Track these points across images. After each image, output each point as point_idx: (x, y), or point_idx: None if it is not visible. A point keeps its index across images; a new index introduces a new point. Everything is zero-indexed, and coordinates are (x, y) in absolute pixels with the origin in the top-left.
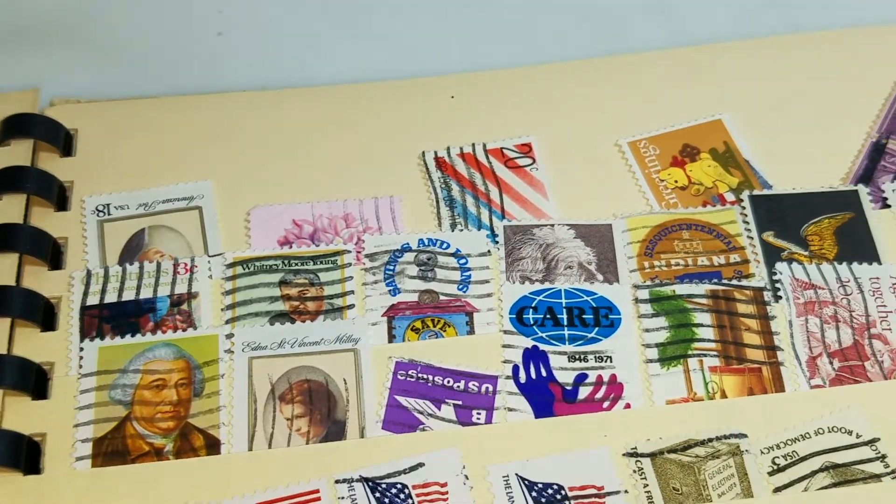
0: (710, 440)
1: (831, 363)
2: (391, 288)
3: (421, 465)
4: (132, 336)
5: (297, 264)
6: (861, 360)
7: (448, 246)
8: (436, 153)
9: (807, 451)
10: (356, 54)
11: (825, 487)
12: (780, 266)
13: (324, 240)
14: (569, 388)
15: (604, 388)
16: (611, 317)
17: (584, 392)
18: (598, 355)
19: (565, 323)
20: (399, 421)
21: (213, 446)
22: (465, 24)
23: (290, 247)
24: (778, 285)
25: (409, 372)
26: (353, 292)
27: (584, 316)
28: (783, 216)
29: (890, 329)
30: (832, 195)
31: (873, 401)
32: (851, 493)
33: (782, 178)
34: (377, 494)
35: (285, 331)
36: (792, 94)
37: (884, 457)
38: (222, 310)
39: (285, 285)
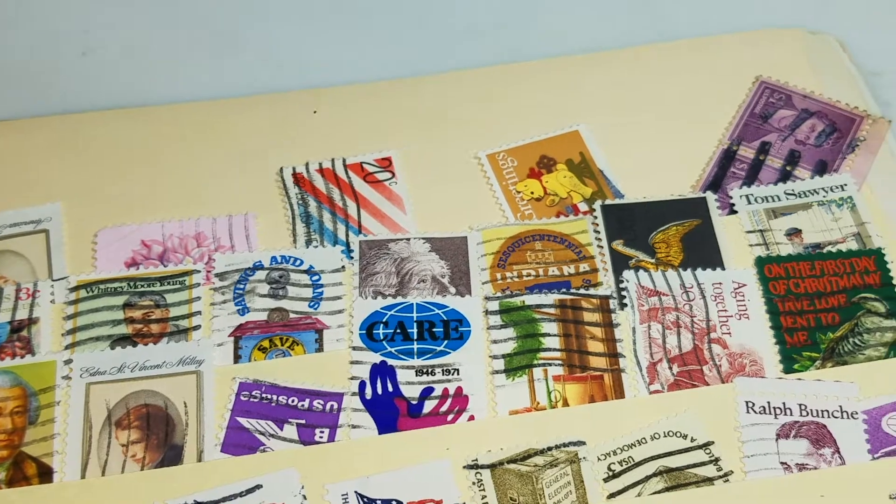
0: (550, 449)
1: (671, 368)
2: (240, 307)
3: (258, 486)
4: None
5: (142, 286)
6: (700, 365)
7: (301, 263)
8: (294, 169)
9: (642, 457)
10: (221, 71)
11: (658, 492)
12: (627, 274)
13: (173, 260)
14: (414, 402)
15: (449, 401)
16: (460, 329)
17: (429, 406)
18: (445, 368)
19: (415, 337)
20: (239, 443)
21: (45, 475)
22: (328, 38)
23: (138, 268)
24: (624, 293)
25: (253, 392)
26: (199, 313)
27: (434, 329)
28: (633, 225)
29: (729, 333)
30: (680, 203)
31: (709, 405)
32: (683, 496)
33: (635, 187)
34: None
35: (126, 354)
36: (648, 103)
37: (717, 460)
38: (63, 335)
39: (129, 308)
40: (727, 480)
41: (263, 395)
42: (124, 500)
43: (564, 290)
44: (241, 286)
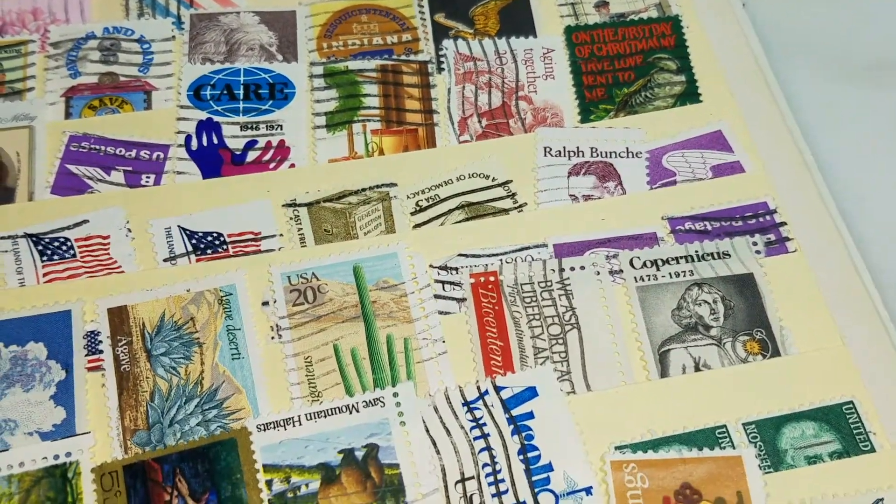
0: (364, 190)
1: (480, 122)
2: (72, 72)
3: (85, 221)
4: None
5: None
6: (507, 119)
7: (133, 33)
8: None
9: (447, 194)
10: None
11: (459, 221)
12: (447, 42)
13: (10, 32)
14: (238, 152)
15: (271, 152)
16: (286, 91)
17: (252, 156)
18: (269, 124)
19: (241, 97)
20: (68, 186)
21: None
22: None
23: None
24: (442, 59)
25: (82, 143)
26: (34, 77)
27: (259, 91)
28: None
29: (535, 91)
30: None
31: (511, 151)
32: (481, 224)
33: None
34: (40, 248)
35: None
36: None
37: (514, 195)
38: None
39: None
40: (521, 210)
41: (92, 146)
42: None
43: (387, 56)
44: (74, 54)
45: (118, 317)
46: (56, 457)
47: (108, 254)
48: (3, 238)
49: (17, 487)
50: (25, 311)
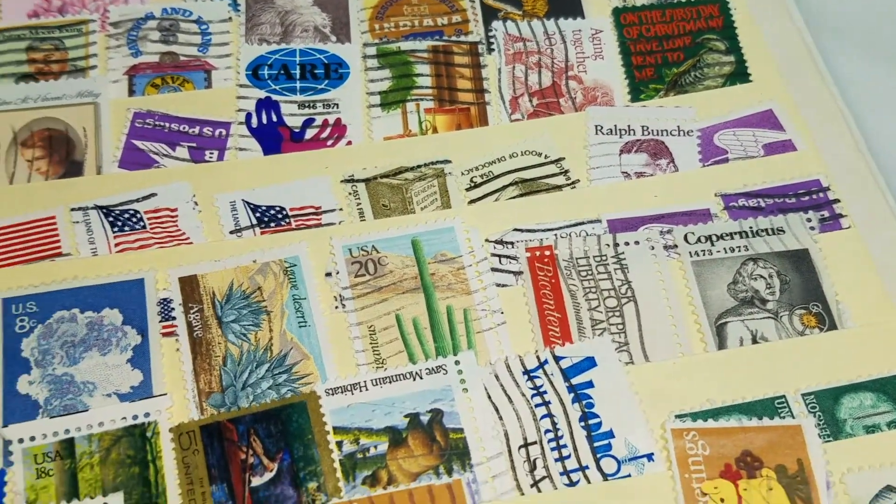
0: (419, 166)
1: (531, 101)
2: (133, 51)
3: (153, 195)
4: None
5: (43, 33)
6: (557, 98)
7: (191, 14)
8: None
9: (500, 171)
10: None
11: (513, 197)
12: (496, 24)
13: (71, 12)
14: (297, 130)
15: (329, 129)
16: (340, 71)
17: (310, 133)
18: (325, 103)
19: (298, 77)
20: (135, 161)
21: None
22: None
23: (39, 18)
24: (492, 40)
25: (147, 120)
26: (96, 55)
27: (315, 71)
28: None
29: (585, 71)
30: None
31: (563, 129)
32: (535, 199)
33: None
34: (110, 219)
35: (29, 89)
36: None
37: (566, 172)
38: None
39: (32, 51)
40: (574, 187)
41: (157, 123)
42: (32, 204)
43: (437, 37)
44: (134, 33)
45: (189, 285)
46: (135, 417)
47: (177, 226)
48: (74, 209)
49: (98, 446)
50: (100, 280)
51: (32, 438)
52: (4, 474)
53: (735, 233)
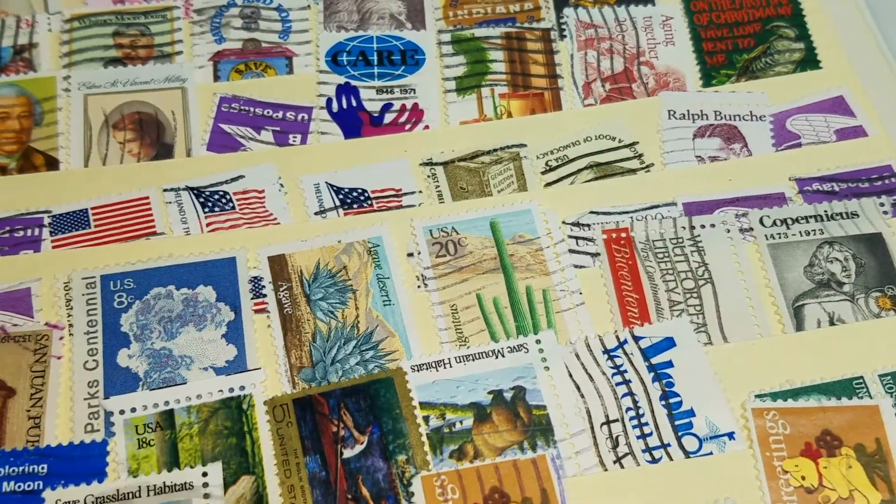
0: (495, 150)
1: (603, 86)
2: (217, 37)
3: (241, 176)
4: None
5: (128, 18)
6: (629, 83)
7: (271, 2)
8: None
9: (575, 155)
10: None
11: (588, 181)
12: (567, 11)
13: None
14: (376, 114)
15: (406, 114)
16: (416, 57)
17: (389, 118)
18: (403, 88)
19: (375, 63)
20: (222, 144)
21: (52, 165)
22: None
23: (124, 4)
24: (563, 27)
25: (233, 105)
26: (181, 41)
27: (392, 57)
28: None
29: (656, 57)
30: None
31: (636, 114)
32: (609, 183)
33: None
34: (201, 200)
35: (118, 73)
36: None
37: (641, 156)
38: (60, 57)
39: (118, 36)
40: (648, 171)
41: (242, 107)
42: (125, 185)
43: (510, 24)
44: (217, 20)
45: (278, 264)
46: (231, 390)
47: (265, 207)
48: (167, 190)
49: (197, 417)
50: (193, 258)
51: (133, 410)
52: (107, 444)
53: (810, 216)
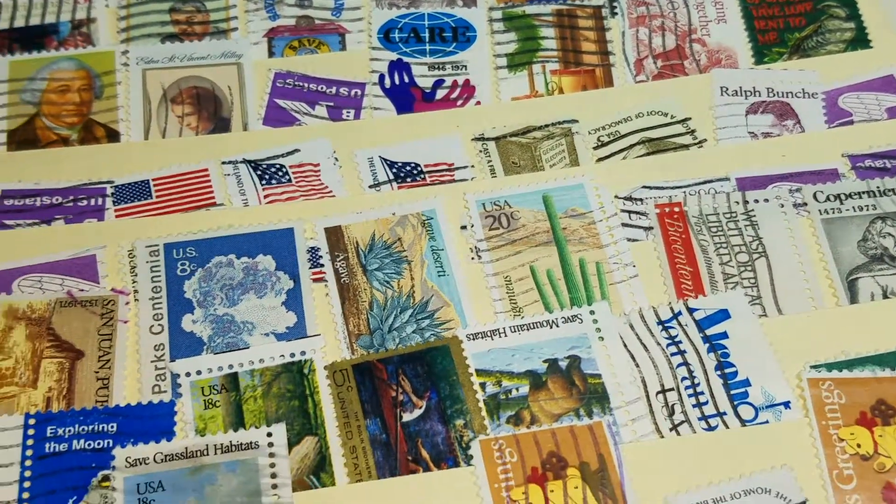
0: (547, 126)
1: (655, 63)
2: (271, 14)
3: (297, 150)
4: (38, 52)
5: None
6: (681, 60)
7: None
8: None
9: (627, 130)
10: None
11: (641, 156)
12: None
13: None
14: (428, 90)
15: (458, 90)
16: (468, 34)
17: (441, 94)
18: (454, 64)
19: (427, 40)
20: (278, 118)
21: (113, 136)
22: None
23: None
24: (615, 4)
25: (287, 80)
26: (236, 18)
27: (444, 34)
28: None
29: (708, 35)
30: None
31: (688, 90)
32: (662, 158)
33: None
34: (258, 172)
35: (175, 48)
36: None
37: (693, 131)
38: (118, 32)
39: (175, 12)
40: (701, 146)
41: (296, 83)
42: (185, 157)
43: (561, 1)
44: None
45: (334, 235)
46: (292, 355)
47: (320, 179)
48: (225, 163)
49: (260, 380)
50: (252, 228)
51: (199, 372)
52: (174, 405)
53: (863, 192)
